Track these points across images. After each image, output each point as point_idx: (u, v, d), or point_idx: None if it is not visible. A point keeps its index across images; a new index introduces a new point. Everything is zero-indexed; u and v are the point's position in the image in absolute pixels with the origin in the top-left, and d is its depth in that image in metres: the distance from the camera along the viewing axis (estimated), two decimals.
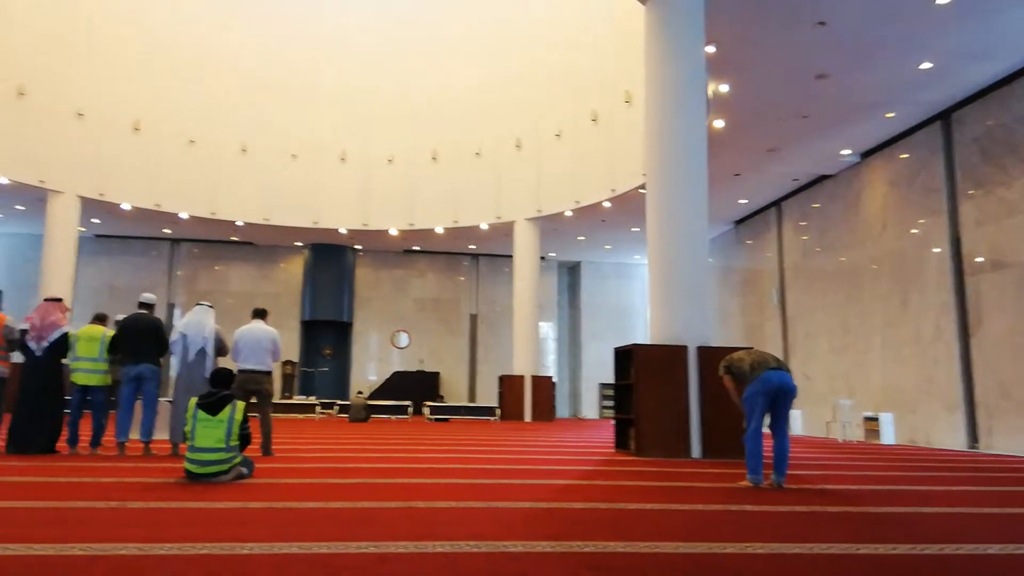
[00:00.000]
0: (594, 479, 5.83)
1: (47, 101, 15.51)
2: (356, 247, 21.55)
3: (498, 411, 17.63)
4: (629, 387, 8.73)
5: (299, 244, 21.31)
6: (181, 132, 17.42)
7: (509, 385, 17.57)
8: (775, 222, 16.50)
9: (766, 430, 5.50)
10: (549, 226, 18.16)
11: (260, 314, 7.63)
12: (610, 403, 20.66)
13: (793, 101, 11.53)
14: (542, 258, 19.54)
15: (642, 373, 8.23)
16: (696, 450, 7.96)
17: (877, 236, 13.07)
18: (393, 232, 19.10)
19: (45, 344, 6.97)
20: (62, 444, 7.09)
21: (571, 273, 24.01)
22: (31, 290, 16.22)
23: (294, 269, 21.95)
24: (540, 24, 17.36)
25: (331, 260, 21.35)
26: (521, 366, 17.61)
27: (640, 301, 23.01)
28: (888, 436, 11.97)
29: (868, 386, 13.09)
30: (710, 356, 8.16)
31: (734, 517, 4.05)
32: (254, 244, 21.35)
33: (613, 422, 10.03)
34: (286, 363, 20.40)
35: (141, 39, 16.93)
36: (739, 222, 18.08)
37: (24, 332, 6.98)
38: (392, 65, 18.90)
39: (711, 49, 10.17)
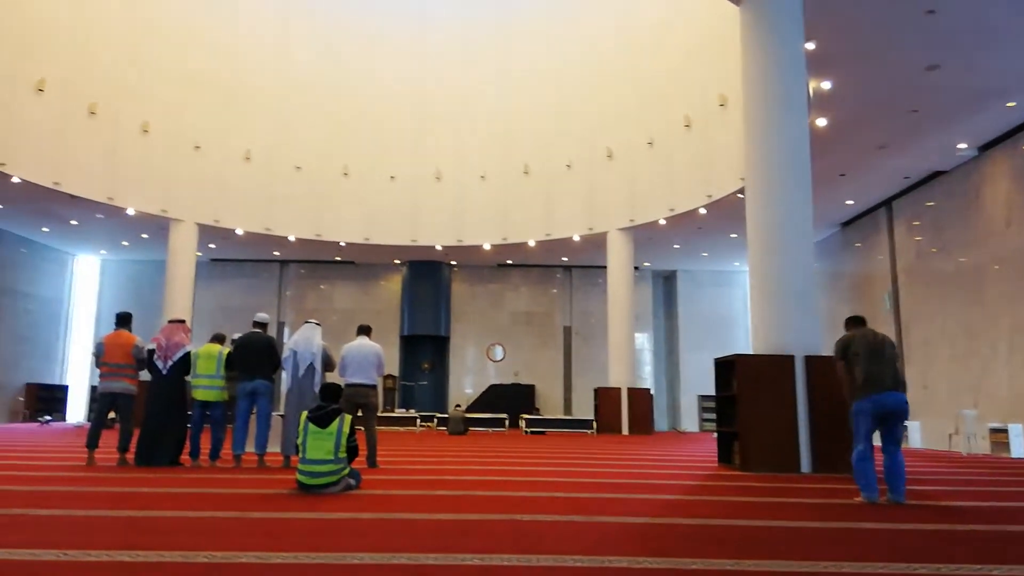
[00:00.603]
0: (699, 494, 5.67)
1: (168, 136, 16.72)
2: (452, 263, 21.99)
3: (595, 424, 17.48)
4: (731, 399, 8.46)
5: (397, 262, 21.95)
6: (289, 160, 18.36)
7: (605, 398, 17.40)
8: (885, 223, 15.64)
9: (876, 443, 5.20)
10: (643, 235, 17.93)
11: (365, 330, 7.92)
12: (711, 416, 20.08)
13: (902, 95, 10.93)
14: (636, 268, 19.30)
15: (746, 385, 7.95)
16: (806, 464, 7.61)
17: (1000, 234, 12.15)
18: (487, 247, 19.38)
19: (170, 363, 7.46)
20: (185, 457, 7.55)
21: (667, 282, 23.59)
22: (156, 312, 17.42)
23: (393, 286, 22.62)
24: (627, 32, 17.27)
25: (428, 276, 21.87)
26: (617, 378, 17.41)
27: (740, 310, 22.30)
28: (1017, 449, 11.06)
29: (994, 395, 12.15)
30: (820, 366, 7.80)
31: (849, 535, 3.84)
32: (355, 263, 22.16)
33: (715, 435, 9.74)
34: (387, 377, 21.01)
35: (252, 76, 17.98)
36: (846, 224, 17.26)
37: (152, 352, 7.49)
38: (483, 84, 19.27)
39: (811, 46, 9.82)
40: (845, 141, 12.49)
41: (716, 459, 8.89)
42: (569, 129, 18.48)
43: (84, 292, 21.99)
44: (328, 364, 7.62)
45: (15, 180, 14.09)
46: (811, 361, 7.86)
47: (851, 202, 15.64)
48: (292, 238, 18.62)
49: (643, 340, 22.68)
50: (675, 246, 19.31)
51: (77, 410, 21.18)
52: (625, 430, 17.02)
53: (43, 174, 14.41)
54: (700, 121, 15.40)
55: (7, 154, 13.69)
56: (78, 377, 21.43)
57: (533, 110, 18.90)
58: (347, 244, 19.26)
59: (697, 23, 15.23)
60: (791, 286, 8.22)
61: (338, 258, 21.44)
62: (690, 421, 21.78)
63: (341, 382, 6.86)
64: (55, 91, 14.57)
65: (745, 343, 21.41)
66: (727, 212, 15.38)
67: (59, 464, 7.27)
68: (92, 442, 7.35)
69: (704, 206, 15.40)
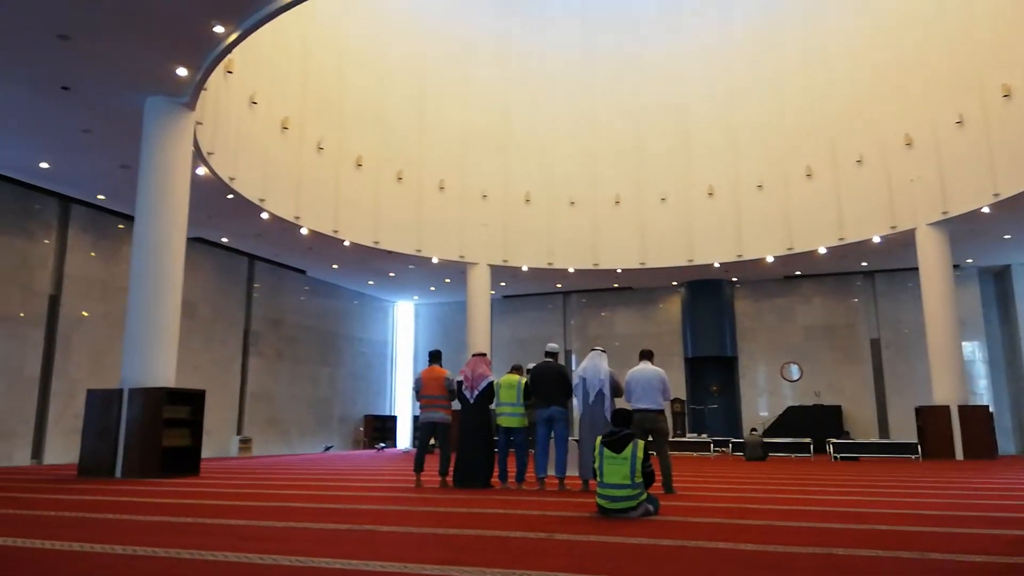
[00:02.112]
0: None
1: (460, 190, 18.63)
2: (733, 279, 21.15)
3: (919, 448, 15.35)
4: None
5: (675, 283, 21.71)
6: (563, 196, 19.33)
7: (930, 418, 15.21)
8: None
9: None
10: (961, 228, 15.51)
11: (647, 355, 7.96)
12: None
13: None
14: (956, 267, 16.75)
15: None
16: None
17: None
18: (770, 259, 18.30)
19: (476, 392, 8.21)
20: (495, 479, 8.19)
21: (998, 280, 20.09)
22: (461, 347, 19.32)
23: (672, 308, 22.38)
24: (915, 1, 15.32)
25: (708, 295, 21.27)
26: (943, 395, 15.13)
27: None
28: None
29: None
30: None
31: None
32: (633, 288, 22.39)
33: None
34: (675, 401, 20.72)
35: (520, 125, 19.38)
36: None
37: (460, 384, 8.32)
38: (746, 88, 18.48)
39: None
40: None
41: None
42: (855, 119, 16.82)
43: (403, 333, 25.20)
44: (616, 390, 7.77)
45: (346, 244, 16.72)
46: None
47: None
48: (571, 269, 19.43)
49: (973, 349, 19.51)
50: (1006, 236, 16.41)
51: (404, 437, 24.17)
52: (959, 455, 14.69)
53: (366, 236, 16.94)
54: (1021, 89, 13.03)
55: (340, 223, 16.34)
56: (403, 408, 24.49)
57: (809, 103, 17.58)
58: (623, 271, 19.57)
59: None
60: None
61: (616, 285, 21.86)
62: None
63: (628, 407, 6.94)
64: (370, 165, 17.08)
65: None
66: None
67: (393, 486, 8.33)
68: (418, 466, 8.33)
69: None
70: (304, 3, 9.24)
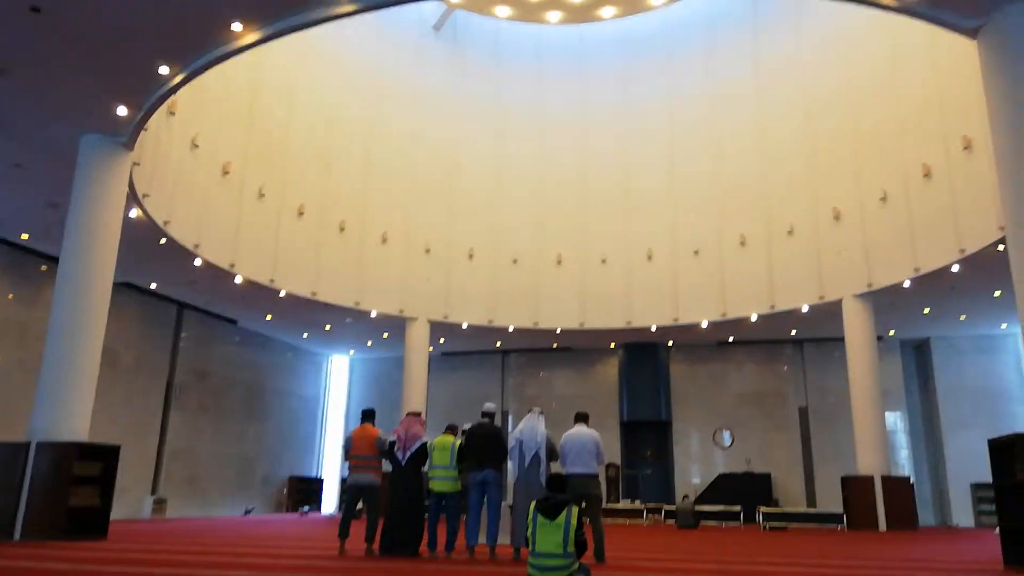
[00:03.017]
0: None
1: (404, 243, 18.54)
2: (668, 343, 21.48)
3: (845, 518, 15.61)
4: (1015, 488, 7.17)
5: (613, 345, 21.91)
6: (507, 253, 19.42)
7: (855, 488, 15.52)
8: None
9: None
10: (885, 300, 16.21)
11: (582, 418, 7.90)
12: (990, 507, 17.08)
13: None
14: (879, 338, 17.42)
15: None
16: None
17: None
18: (704, 324, 18.70)
19: (408, 453, 7.97)
20: (423, 547, 7.90)
21: (918, 352, 20.98)
22: (396, 404, 18.90)
23: (610, 370, 22.53)
24: (848, 83, 16.24)
25: (645, 359, 21.51)
26: (867, 465, 15.51)
27: (1015, 379, 19.15)
28: None
29: None
30: None
31: None
32: (572, 349, 22.49)
33: (997, 531, 8.25)
34: (609, 466, 20.62)
35: (468, 180, 19.56)
36: None
37: (392, 444, 8.07)
38: (689, 155, 19.05)
39: None
40: None
41: (1001, 560, 7.50)
42: (789, 192, 17.56)
43: (337, 389, 24.52)
44: (552, 453, 7.67)
45: (282, 294, 16.35)
46: None
47: None
48: (512, 328, 19.42)
49: (895, 420, 20.17)
50: (925, 310, 17.22)
51: (330, 501, 23.26)
52: (882, 525, 14.98)
53: (303, 286, 16.59)
54: (941, 168, 13.88)
55: (276, 272, 15.98)
56: (331, 470, 23.62)
57: (745, 175, 18.27)
58: (562, 331, 19.66)
59: (927, 64, 14.03)
60: None
61: (555, 345, 21.91)
62: (963, 514, 18.70)
63: (562, 471, 6.84)
64: (312, 214, 16.87)
65: (1023, 419, 18.29)
66: (986, 267, 13.50)
67: (316, 554, 7.94)
68: (343, 532, 7.98)
69: (957, 262, 13.65)
70: (255, 48, 9.21)
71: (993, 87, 8.08)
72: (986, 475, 8.31)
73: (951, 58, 12.96)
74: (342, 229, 17.50)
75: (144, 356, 17.14)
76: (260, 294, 16.50)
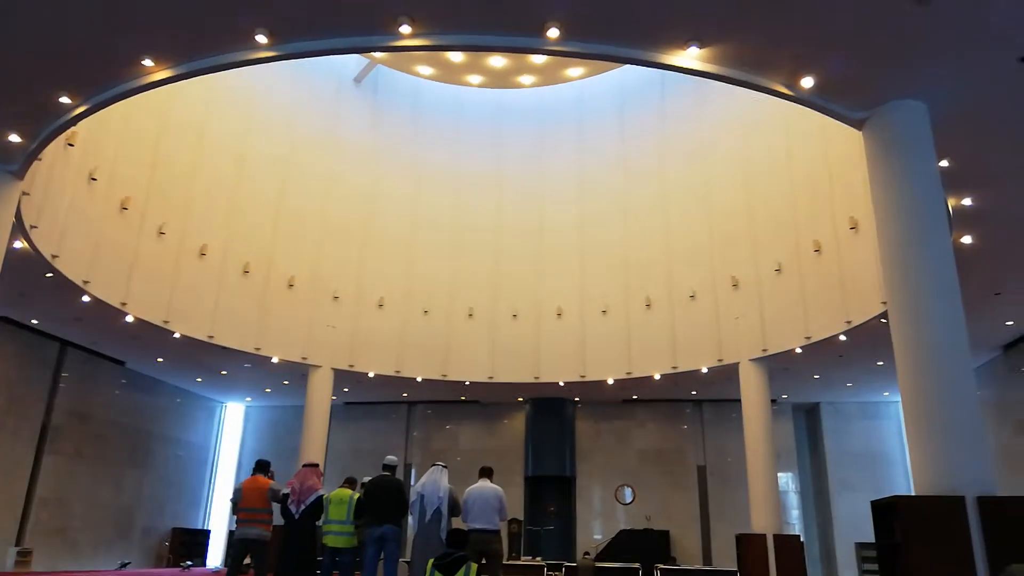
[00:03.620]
0: None
1: (310, 289, 18.05)
2: (575, 399, 21.67)
3: (738, 575, 15.93)
4: (894, 547, 7.53)
5: (520, 399, 21.91)
6: (418, 304, 19.21)
7: (749, 546, 15.91)
8: None
9: None
10: (778, 366, 17.01)
11: (487, 473, 7.81)
12: (872, 566, 17.83)
13: None
14: (773, 401, 18.19)
15: (911, 530, 7.07)
16: None
17: None
18: (610, 382, 19.02)
19: (303, 507, 7.62)
20: None
21: (808, 416, 22.00)
22: (293, 455, 18.09)
23: (517, 425, 22.45)
24: (746, 161, 17.31)
25: (551, 414, 21.58)
26: (761, 523, 15.96)
27: (896, 444, 20.31)
28: None
29: None
30: (998, 507, 6.89)
31: None
32: (480, 402, 22.32)
33: None
34: (512, 522, 20.37)
35: (382, 227, 19.39)
36: (1009, 347, 15.70)
37: (286, 496, 7.70)
38: (600, 218, 19.66)
39: (944, 164, 9.46)
40: (997, 258, 11.62)
41: None
42: (691, 258, 18.32)
43: (229, 437, 23.29)
44: (455, 508, 7.52)
45: (176, 336, 15.53)
46: (985, 503, 6.95)
47: (1011, 322, 14.29)
48: (420, 379, 19.11)
49: (787, 480, 20.93)
50: (815, 376, 18.15)
51: (217, 555, 21.83)
52: None
53: (200, 329, 15.83)
54: (831, 245, 14.86)
55: (172, 313, 15.22)
56: (219, 522, 22.26)
57: (652, 241, 18.94)
58: (471, 383, 19.52)
59: (818, 148, 15.11)
60: (952, 417, 7.46)
61: (463, 397, 21.70)
62: (849, 572, 19.44)
63: (464, 526, 6.71)
64: (215, 255, 16.26)
65: (904, 482, 19.34)
66: (870, 338, 14.42)
67: None
68: None
69: (844, 332, 14.53)
70: (165, 86, 8.93)
71: (876, 174, 8.73)
72: (869, 535, 8.69)
73: (841, 145, 13.98)
74: (246, 271, 16.92)
75: (17, 396, 15.80)
76: (152, 334, 15.63)
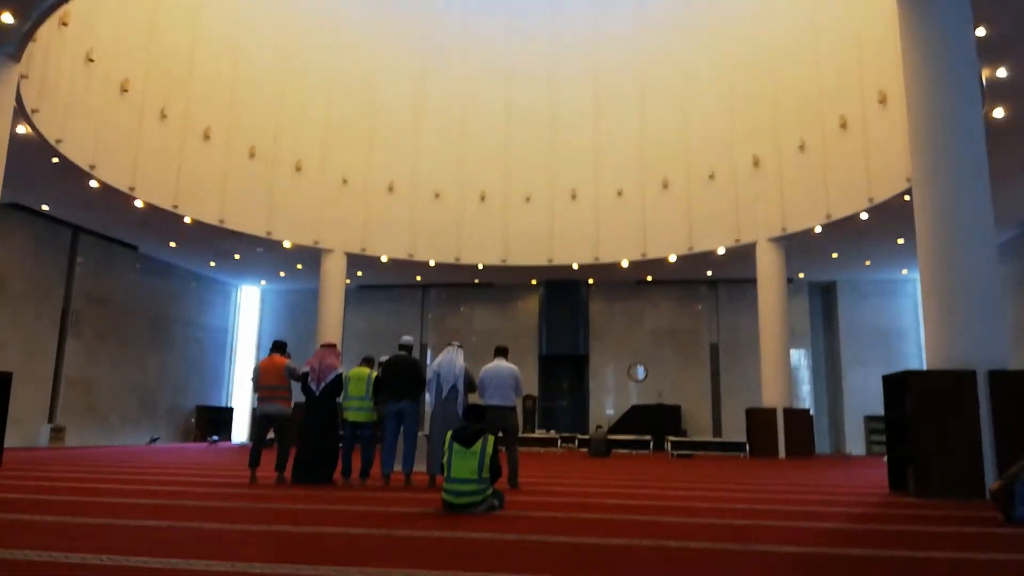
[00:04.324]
0: (869, 523, 5.13)
1: (319, 173, 17.81)
2: (589, 281, 21.75)
3: (747, 447, 16.50)
4: (903, 420, 7.65)
5: (534, 282, 22.02)
6: (428, 188, 19.00)
7: (758, 419, 16.37)
8: None
9: None
10: (797, 245, 16.82)
11: (502, 352, 7.88)
12: (880, 438, 18.38)
13: None
14: (790, 280, 18.13)
15: (920, 404, 7.16)
16: None
17: None
18: (625, 264, 18.98)
19: (323, 384, 7.77)
20: (337, 475, 7.81)
21: (825, 294, 22.01)
22: (310, 337, 18.50)
23: (531, 307, 22.69)
24: (772, 34, 16.44)
25: (565, 296, 21.74)
26: (771, 398, 16.34)
27: (910, 321, 20.39)
28: None
29: None
30: (1008, 382, 6.94)
31: None
32: (493, 285, 22.47)
33: (885, 459, 8.83)
34: (527, 398, 21.01)
35: (389, 112, 18.86)
36: None
37: (306, 375, 7.84)
38: (616, 98, 19.05)
39: (981, 32, 8.88)
40: None
41: (887, 485, 8.05)
42: (711, 138, 17.79)
43: (247, 320, 23.76)
44: (470, 386, 7.65)
45: (187, 220, 15.50)
46: (997, 377, 6.97)
47: None
48: (432, 263, 19.16)
49: (799, 357, 21.25)
50: (833, 255, 17.97)
51: (241, 430, 22.83)
52: (782, 453, 15.92)
53: (211, 214, 15.77)
54: (857, 120, 14.30)
55: (181, 197, 15.11)
56: (242, 400, 23.10)
57: (671, 120, 18.38)
58: (484, 267, 19.56)
59: (850, 18, 14.25)
60: (972, 293, 7.36)
61: (476, 280, 21.83)
62: (856, 444, 20.07)
63: (481, 403, 6.84)
64: (219, 138, 15.94)
65: (916, 358, 19.54)
66: (892, 216, 14.13)
67: (225, 481, 7.73)
68: (253, 461, 7.78)
69: (866, 210, 14.23)
70: None
71: (910, 43, 8.20)
72: (879, 408, 8.82)
73: (870, 17, 13.18)
74: (252, 155, 16.64)
75: (36, 281, 16.03)
76: (163, 220, 15.61)
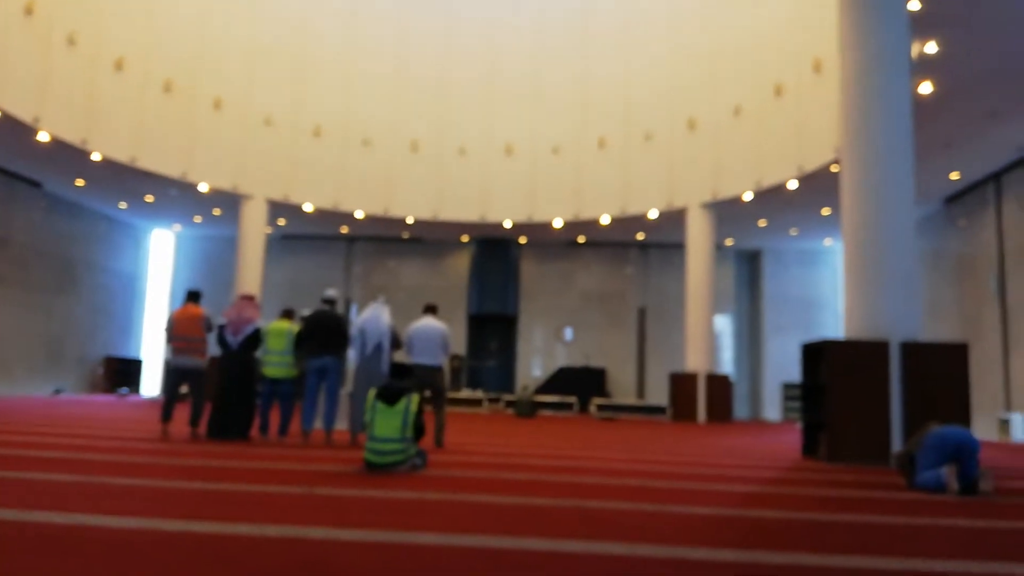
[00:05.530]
0: (781, 486, 5.27)
1: (240, 111, 16.89)
2: (520, 241, 21.63)
3: (669, 411, 16.91)
4: (819, 388, 7.91)
5: (465, 239, 21.75)
6: (357, 134, 18.32)
7: (681, 383, 16.77)
8: (993, 198, 14.43)
9: None
10: (726, 211, 17.08)
11: (431, 310, 7.70)
12: (795, 404, 19.18)
13: (1017, 59, 9.92)
14: (718, 247, 18.48)
15: (835, 372, 7.38)
16: None
17: None
18: (558, 224, 18.92)
19: (240, 337, 7.40)
20: (254, 431, 7.51)
21: (751, 262, 22.57)
22: (228, 287, 17.77)
23: (461, 264, 22.45)
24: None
25: (496, 254, 21.58)
26: (694, 363, 16.73)
27: (830, 291, 21.15)
28: None
29: None
30: (919, 353, 7.22)
31: (945, 532, 3.54)
32: (423, 240, 22.08)
33: (799, 425, 9.14)
34: (454, 357, 20.89)
35: (320, 48, 18.02)
36: (950, 200, 16.02)
37: (222, 328, 7.45)
38: (556, 54, 18.75)
39: (914, 6, 9.02)
40: (951, 109, 11.45)
41: (801, 450, 8.34)
42: (648, 99, 17.75)
43: (159, 267, 22.60)
44: (396, 343, 7.45)
45: (95, 157, 14.48)
46: (909, 348, 7.26)
47: (956, 176, 14.47)
48: (360, 214, 18.62)
49: (723, 323, 21.83)
50: (761, 223, 18.36)
51: (152, 383, 21.90)
52: (702, 418, 16.39)
53: (121, 151, 14.76)
54: (792, 88, 14.47)
55: (88, 132, 14.06)
56: (153, 351, 22.11)
57: (609, 80, 18.25)
58: (415, 221, 19.15)
59: None
60: (889, 265, 7.59)
61: (406, 235, 21.39)
62: (773, 409, 20.89)
63: (406, 361, 6.67)
64: (133, 69, 14.87)
65: (834, 327, 20.32)
66: (819, 186, 14.47)
67: (135, 436, 7.32)
68: (166, 415, 7.41)
69: (795, 179, 14.51)
70: None
71: (846, 12, 8.27)
72: (796, 376, 9.10)
73: None
74: (168, 89, 15.61)
75: None
76: (69, 155, 14.51)
